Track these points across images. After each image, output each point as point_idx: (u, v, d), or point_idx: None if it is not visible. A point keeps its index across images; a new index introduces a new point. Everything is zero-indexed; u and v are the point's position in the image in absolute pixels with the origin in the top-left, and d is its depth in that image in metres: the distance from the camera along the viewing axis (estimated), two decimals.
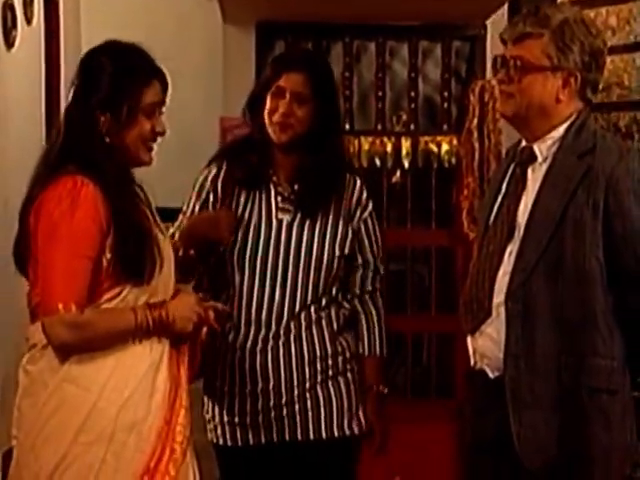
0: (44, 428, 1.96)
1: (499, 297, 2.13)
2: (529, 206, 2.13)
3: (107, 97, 2.00)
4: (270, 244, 2.40)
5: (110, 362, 1.97)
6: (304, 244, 2.40)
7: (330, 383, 2.42)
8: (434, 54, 4.50)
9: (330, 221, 2.43)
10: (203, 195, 2.48)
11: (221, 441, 2.45)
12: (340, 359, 2.44)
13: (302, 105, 2.39)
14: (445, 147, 4.36)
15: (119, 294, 1.98)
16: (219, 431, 2.44)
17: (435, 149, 4.37)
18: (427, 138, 4.39)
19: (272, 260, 2.39)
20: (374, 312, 2.50)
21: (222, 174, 2.46)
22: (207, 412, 2.48)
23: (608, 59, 2.31)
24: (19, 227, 2.04)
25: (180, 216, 2.51)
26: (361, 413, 2.46)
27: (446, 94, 4.44)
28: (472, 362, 2.22)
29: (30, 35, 4.64)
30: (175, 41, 5.46)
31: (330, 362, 2.43)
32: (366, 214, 2.49)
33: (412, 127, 4.40)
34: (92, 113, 2.00)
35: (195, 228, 2.42)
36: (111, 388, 1.96)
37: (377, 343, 2.49)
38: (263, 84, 2.44)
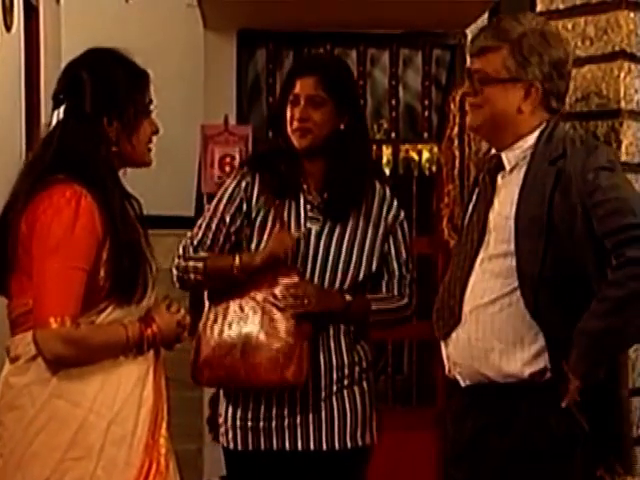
0: (32, 444, 1.92)
1: (470, 304, 2.15)
2: (503, 213, 2.15)
3: (114, 101, 1.99)
4: (298, 253, 2.40)
5: (99, 376, 1.95)
6: (332, 254, 2.41)
7: (345, 393, 2.41)
8: (415, 62, 4.51)
9: (359, 231, 2.44)
10: (236, 202, 2.46)
11: (231, 445, 2.43)
12: (357, 369, 2.44)
13: (318, 108, 2.39)
14: (426, 155, 4.36)
15: (107, 307, 1.96)
16: (230, 435, 2.43)
17: (416, 157, 4.38)
18: (408, 146, 4.39)
19: (301, 269, 2.39)
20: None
21: (257, 184, 2.45)
22: (220, 415, 2.46)
23: (586, 68, 2.35)
24: None
25: (200, 227, 2.46)
26: (374, 424, 2.45)
27: (427, 102, 4.45)
28: (447, 370, 2.24)
29: (10, 42, 4.62)
30: (156, 48, 5.45)
31: (347, 371, 2.41)
32: (396, 224, 2.50)
33: (393, 135, 4.41)
34: (98, 122, 1.98)
35: (267, 261, 2.37)
36: (101, 402, 1.94)
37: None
38: (281, 96, 2.48)
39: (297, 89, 2.41)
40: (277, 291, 2.36)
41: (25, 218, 1.95)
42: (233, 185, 2.48)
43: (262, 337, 2.33)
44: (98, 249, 1.93)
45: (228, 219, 2.45)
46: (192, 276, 2.43)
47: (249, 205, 2.45)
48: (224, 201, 2.47)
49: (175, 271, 2.47)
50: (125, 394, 1.97)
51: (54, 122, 2.02)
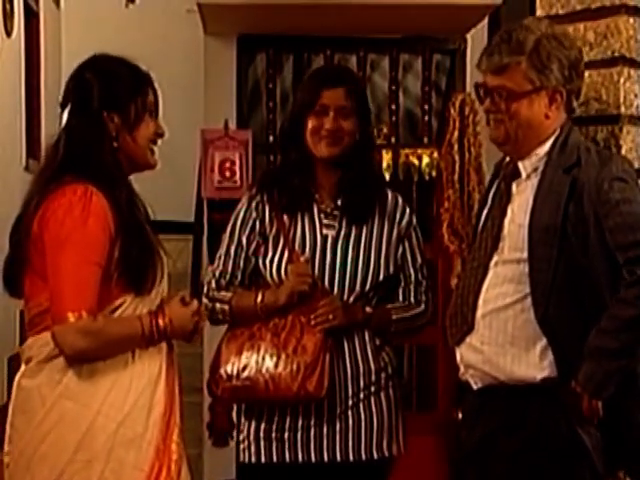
0: (41, 446, 1.93)
1: (483, 308, 2.15)
2: (517, 221, 2.16)
3: (115, 96, 2.01)
4: (315, 260, 2.40)
5: (109, 378, 1.96)
6: (350, 257, 2.41)
7: (372, 400, 2.39)
8: (415, 67, 4.51)
9: (375, 235, 2.45)
10: (250, 223, 2.47)
11: (254, 459, 2.39)
12: (383, 375, 2.43)
13: (347, 118, 2.42)
14: (426, 160, 4.37)
15: (121, 305, 1.97)
16: (253, 448, 2.39)
17: (416, 162, 4.38)
18: (408, 151, 4.39)
19: (319, 275, 2.39)
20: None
21: (266, 202, 2.47)
22: (242, 431, 2.43)
23: (586, 74, 2.35)
24: (13, 237, 2.02)
25: (219, 260, 2.48)
26: (401, 433, 2.43)
27: (427, 107, 4.45)
28: (459, 373, 2.25)
29: (10, 47, 4.64)
30: (156, 53, 5.46)
31: (373, 378, 2.40)
32: (410, 230, 2.51)
33: (393, 140, 4.41)
34: (99, 118, 2.00)
35: (291, 300, 2.36)
36: (110, 404, 1.94)
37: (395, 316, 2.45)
38: (303, 105, 2.46)
39: (325, 100, 2.42)
40: (305, 309, 2.37)
41: (37, 218, 1.96)
42: (244, 208, 2.50)
43: (289, 352, 2.32)
44: (110, 246, 1.94)
45: (245, 241, 2.46)
46: (220, 317, 2.46)
47: (262, 223, 2.46)
48: (238, 225, 2.48)
49: (205, 310, 2.45)
50: (135, 396, 1.97)
51: (63, 125, 2.04)
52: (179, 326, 2.03)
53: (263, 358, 2.33)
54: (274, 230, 2.44)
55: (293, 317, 2.35)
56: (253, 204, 2.48)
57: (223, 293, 2.45)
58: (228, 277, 2.47)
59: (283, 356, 2.31)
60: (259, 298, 2.39)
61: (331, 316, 2.33)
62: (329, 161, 2.44)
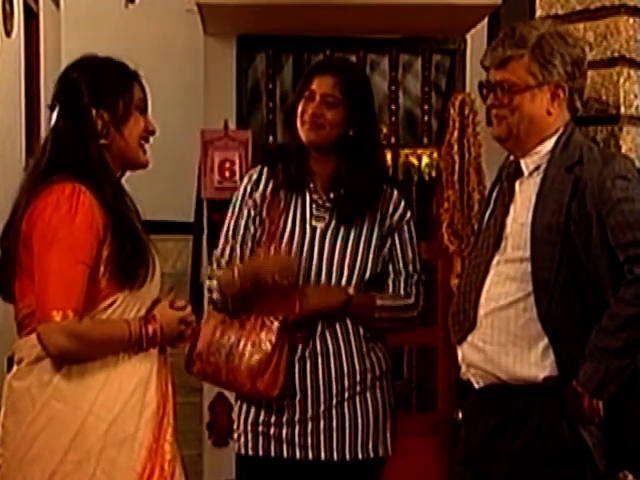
0: (32, 447, 1.93)
1: (485, 307, 2.16)
2: (520, 220, 2.16)
3: (103, 93, 2.01)
4: (303, 251, 2.39)
5: (99, 378, 1.95)
6: (337, 252, 2.40)
7: (357, 400, 2.38)
8: (414, 67, 4.51)
9: (365, 230, 2.43)
10: (245, 210, 2.47)
11: (243, 450, 2.42)
12: (369, 376, 2.41)
13: (332, 108, 2.41)
14: (425, 160, 4.37)
15: (113, 303, 1.97)
16: (242, 440, 2.43)
17: (415, 162, 4.38)
18: (407, 151, 4.39)
19: (305, 267, 2.39)
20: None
21: (263, 180, 2.48)
22: (234, 420, 2.47)
23: None
24: (3, 241, 2.02)
25: (222, 239, 2.48)
26: (388, 435, 2.42)
27: (426, 107, 4.45)
28: (461, 372, 2.25)
29: (9, 47, 4.63)
30: (156, 54, 5.46)
31: (358, 379, 2.39)
32: (403, 222, 2.49)
33: (392, 140, 4.41)
34: (88, 116, 2.00)
35: (260, 275, 2.35)
36: (100, 404, 1.94)
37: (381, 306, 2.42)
38: (298, 92, 2.48)
39: (314, 85, 2.43)
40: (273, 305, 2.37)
41: (26, 218, 1.96)
42: (241, 191, 2.52)
43: (248, 346, 2.35)
44: (98, 246, 1.93)
45: (246, 212, 2.47)
46: (215, 296, 2.46)
47: (255, 204, 2.46)
48: (236, 213, 2.49)
49: (207, 293, 2.50)
50: (126, 396, 1.97)
51: (51, 125, 2.04)
52: (167, 333, 2.03)
53: (230, 347, 2.36)
54: (265, 211, 2.44)
55: (258, 311, 2.36)
56: (250, 183, 2.49)
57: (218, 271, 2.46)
58: (227, 254, 2.47)
59: (245, 349, 2.34)
60: (236, 271, 2.39)
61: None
62: (312, 148, 2.44)
